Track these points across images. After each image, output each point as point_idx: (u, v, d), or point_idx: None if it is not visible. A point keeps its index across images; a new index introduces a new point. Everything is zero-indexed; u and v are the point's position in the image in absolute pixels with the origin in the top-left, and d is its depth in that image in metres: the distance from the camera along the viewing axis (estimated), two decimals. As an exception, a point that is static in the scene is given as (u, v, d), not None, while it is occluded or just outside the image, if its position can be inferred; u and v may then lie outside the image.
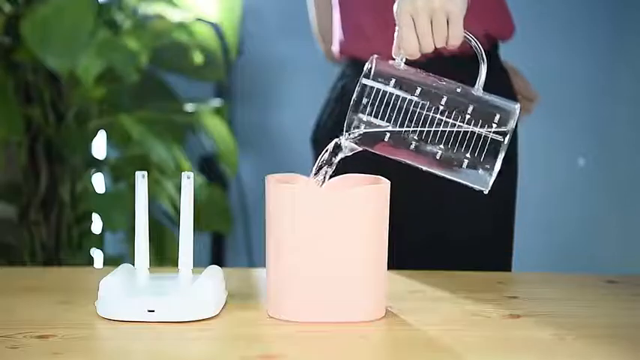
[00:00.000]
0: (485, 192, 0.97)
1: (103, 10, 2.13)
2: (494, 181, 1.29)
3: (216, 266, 1.07)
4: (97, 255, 2.30)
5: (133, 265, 1.05)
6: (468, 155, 0.95)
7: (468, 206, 1.34)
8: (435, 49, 1.01)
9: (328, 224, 0.95)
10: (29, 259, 2.17)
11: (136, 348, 0.89)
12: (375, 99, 0.96)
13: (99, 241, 2.27)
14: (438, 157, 0.96)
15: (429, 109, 0.95)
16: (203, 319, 0.96)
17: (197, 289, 0.98)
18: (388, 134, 0.96)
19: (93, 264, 2.28)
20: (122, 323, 0.95)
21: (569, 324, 0.96)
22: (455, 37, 1.00)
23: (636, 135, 2.49)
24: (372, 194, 0.97)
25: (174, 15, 2.16)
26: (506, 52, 1.42)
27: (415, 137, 0.96)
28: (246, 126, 2.62)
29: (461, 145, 0.95)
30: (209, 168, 2.52)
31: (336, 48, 1.42)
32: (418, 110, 0.95)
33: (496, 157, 0.94)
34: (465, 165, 0.95)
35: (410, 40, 1.00)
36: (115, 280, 1.00)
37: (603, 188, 2.49)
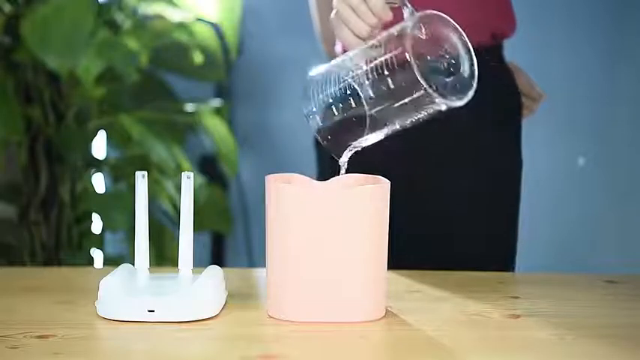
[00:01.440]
0: (460, 104, 0.96)
1: (103, 10, 2.14)
2: (498, 181, 1.29)
3: (216, 266, 1.07)
4: (97, 255, 2.30)
5: (133, 265, 1.05)
6: (391, 78, 0.94)
7: (470, 206, 1.34)
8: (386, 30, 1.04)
9: (328, 224, 0.95)
10: (29, 259, 2.17)
11: (136, 348, 0.89)
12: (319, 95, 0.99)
13: (99, 241, 2.27)
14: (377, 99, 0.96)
15: (356, 68, 0.96)
16: (203, 319, 0.96)
17: (197, 289, 0.98)
18: (337, 114, 0.97)
19: (93, 264, 2.28)
20: (122, 323, 0.95)
21: (569, 324, 0.96)
22: (378, 9, 1.02)
23: (636, 135, 2.49)
24: (372, 194, 0.97)
25: (174, 15, 2.16)
26: (508, 52, 1.42)
27: (361, 101, 0.96)
28: (246, 126, 2.62)
29: (384, 76, 0.95)
30: (209, 168, 2.52)
31: (339, 49, 1.43)
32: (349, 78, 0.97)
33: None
34: (391, 83, 0.94)
35: (345, 36, 1.04)
36: (114, 280, 1.00)
37: (603, 188, 2.49)
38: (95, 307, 0.98)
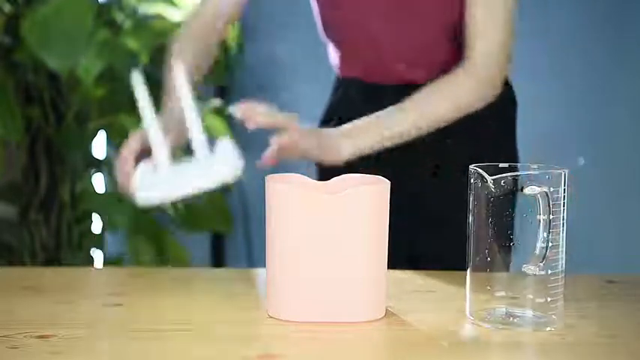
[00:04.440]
0: None
1: (103, 10, 2.14)
2: None
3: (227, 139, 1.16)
4: (97, 255, 2.30)
5: None
6: None
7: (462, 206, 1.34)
8: None
9: (328, 224, 0.95)
10: (29, 259, 2.17)
11: (136, 348, 0.89)
12: None
13: (99, 241, 2.27)
14: None
15: None
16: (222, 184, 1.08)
17: (219, 151, 1.10)
18: None
19: (93, 264, 2.28)
20: (123, 327, 0.95)
21: (570, 324, 0.96)
22: None
23: (635, 135, 2.49)
24: (372, 194, 0.97)
25: (174, 15, 2.16)
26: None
27: None
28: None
29: None
30: (209, 168, 2.52)
31: (335, 68, 1.47)
32: None
33: None
34: None
35: None
36: (146, 166, 1.11)
37: (602, 188, 2.49)
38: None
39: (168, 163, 1.13)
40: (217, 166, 1.12)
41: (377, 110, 1.37)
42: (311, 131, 1.26)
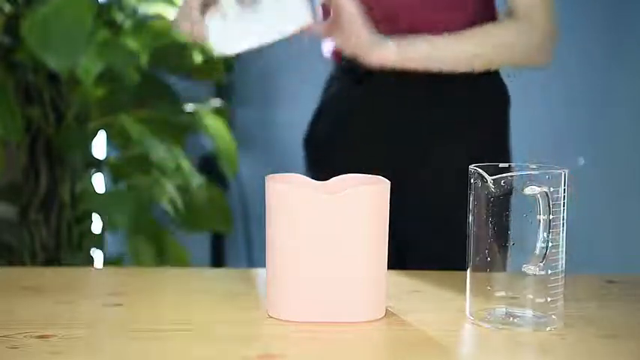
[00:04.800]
0: None
1: (103, 10, 2.14)
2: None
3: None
4: (97, 255, 2.30)
5: None
6: None
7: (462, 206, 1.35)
8: None
9: (328, 224, 0.95)
10: (29, 259, 2.17)
11: (136, 348, 0.90)
12: None
13: (99, 241, 2.27)
14: None
15: None
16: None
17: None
18: None
19: (93, 264, 2.28)
20: (123, 330, 0.95)
21: (570, 324, 0.96)
22: None
23: (634, 135, 2.49)
24: (372, 194, 0.97)
25: (174, 15, 2.16)
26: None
27: None
28: (246, 126, 2.62)
29: None
30: (209, 168, 2.52)
31: (329, 53, 1.47)
32: None
33: None
34: None
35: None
36: (215, 15, 1.17)
37: (602, 188, 2.49)
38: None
39: (237, 10, 1.14)
40: (287, 15, 1.16)
41: (374, 99, 1.36)
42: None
